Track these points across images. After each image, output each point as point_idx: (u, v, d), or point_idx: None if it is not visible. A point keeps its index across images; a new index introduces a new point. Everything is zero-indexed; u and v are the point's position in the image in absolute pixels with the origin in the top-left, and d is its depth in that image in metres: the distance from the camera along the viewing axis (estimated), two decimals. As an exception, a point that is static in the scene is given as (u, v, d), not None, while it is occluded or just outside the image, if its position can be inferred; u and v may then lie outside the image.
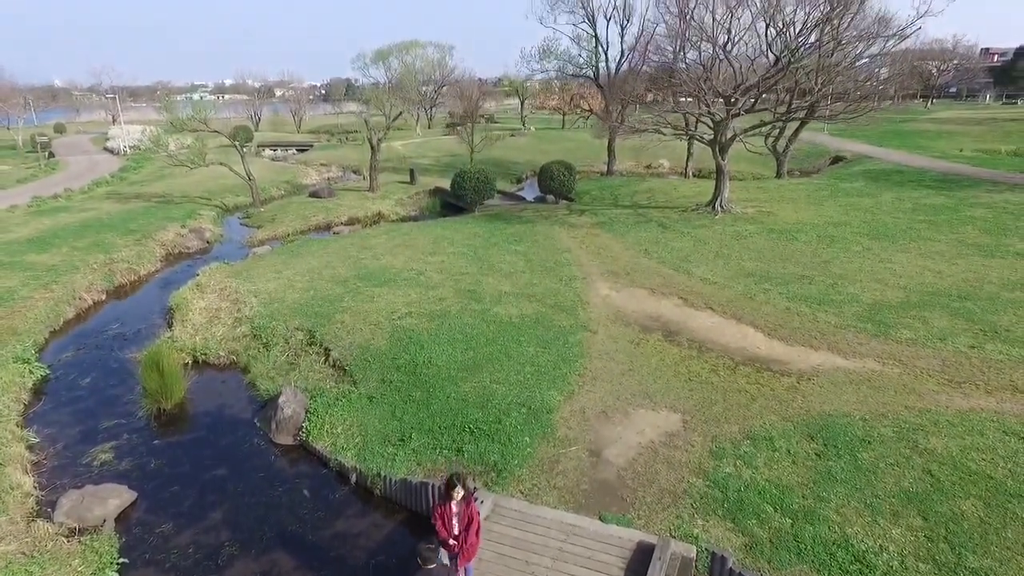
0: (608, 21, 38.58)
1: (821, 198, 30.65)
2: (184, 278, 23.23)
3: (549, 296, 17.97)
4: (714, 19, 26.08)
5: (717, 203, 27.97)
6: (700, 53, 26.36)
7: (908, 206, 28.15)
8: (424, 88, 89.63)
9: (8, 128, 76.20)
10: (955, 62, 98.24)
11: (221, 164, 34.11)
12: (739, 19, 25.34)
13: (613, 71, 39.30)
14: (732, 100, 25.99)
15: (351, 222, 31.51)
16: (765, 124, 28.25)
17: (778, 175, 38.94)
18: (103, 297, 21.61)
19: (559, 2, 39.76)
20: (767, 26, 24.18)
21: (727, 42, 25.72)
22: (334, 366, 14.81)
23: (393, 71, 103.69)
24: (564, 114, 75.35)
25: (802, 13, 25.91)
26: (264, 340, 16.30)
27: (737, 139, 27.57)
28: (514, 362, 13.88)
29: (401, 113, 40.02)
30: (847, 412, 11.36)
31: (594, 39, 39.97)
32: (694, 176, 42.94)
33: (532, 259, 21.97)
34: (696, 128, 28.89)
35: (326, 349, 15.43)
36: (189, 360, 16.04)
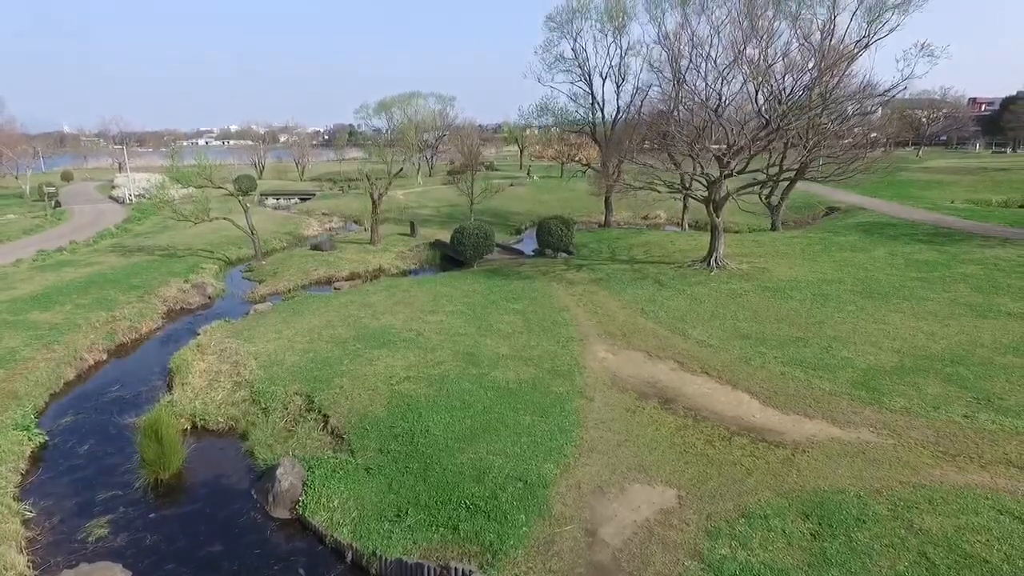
0: (604, 80, 39.96)
1: (815, 253, 31.11)
2: (185, 335, 23.52)
3: (546, 359, 18.14)
4: (706, 84, 27.06)
5: (712, 259, 28.40)
6: (693, 116, 27.16)
7: (901, 262, 28.57)
8: (426, 135, 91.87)
9: (16, 176, 77.65)
10: (944, 111, 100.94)
11: (225, 219, 34.71)
12: (729, 84, 26.25)
13: (609, 127, 40.41)
14: (725, 161, 26.70)
15: (352, 277, 31.90)
16: (757, 183, 28.90)
17: (773, 228, 39.57)
18: (104, 357, 21.76)
19: (556, 62, 41.24)
20: (757, 91, 25.01)
21: (719, 106, 26.59)
22: (332, 433, 14.89)
23: (395, 121, 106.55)
24: (563, 163, 76.78)
25: (790, 78, 26.99)
26: (263, 405, 16.40)
27: (730, 198, 28.17)
28: (511, 431, 13.96)
29: (402, 169, 40.77)
30: (842, 488, 11.40)
31: (590, 96, 41.27)
32: (690, 227, 43.67)
33: (530, 318, 22.22)
34: (690, 186, 29.54)
35: (324, 415, 15.54)
36: (188, 425, 16.12)
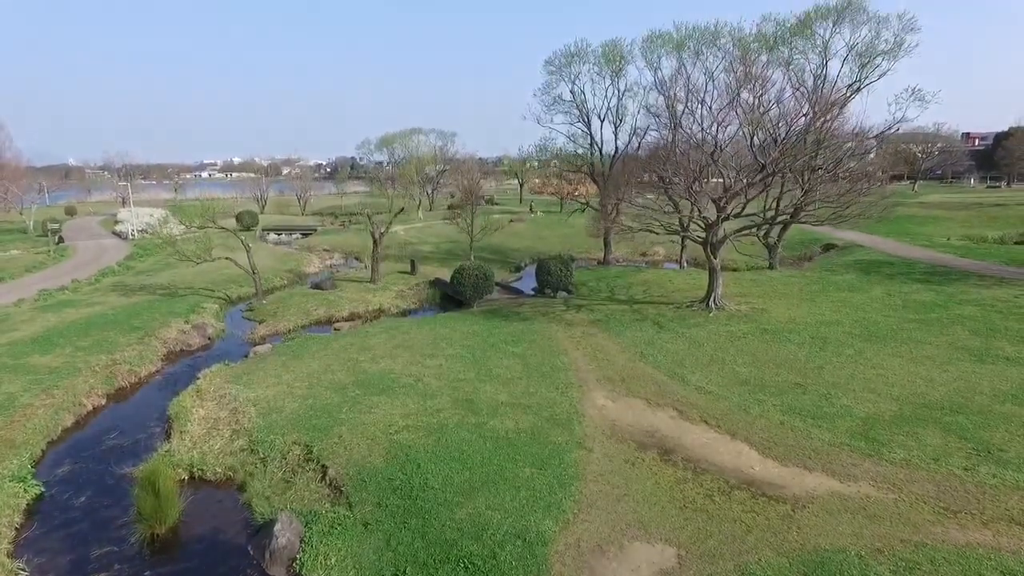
0: (602, 121, 40.74)
1: (813, 293, 31.30)
2: (185, 379, 23.50)
3: (545, 407, 18.13)
4: (702, 128, 27.61)
5: (711, 300, 28.55)
6: (689, 160, 27.63)
7: (898, 302, 28.73)
8: (427, 169, 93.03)
9: (20, 212, 78.35)
10: (939, 145, 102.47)
11: (227, 258, 34.98)
12: (725, 129, 26.76)
13: (607, 167, 41.05)
14: (722, 204, 27.07)
15: (352, 317, 32.01)
16: (753, 226, 29.22)
17: (771, 266, 39.84)
18: (103, 402, 21.73)
19: (555, 103, 42.08)
20: (752, 136, 25.50)
21: (715, 150, 27.08)
22: (331, 485, 14.81)
23: (397, 155, 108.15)
24: (562, 199, 77.55)
25: (784, 124, 27.53)
26: (261, 455, 16.33)
27: (728, 240, 28.47)
28: (509, 485, 13.90)
29: (403, 208, 41.28)
30: (843, 547, 11.32)
31: (589, 137, 42.01)
32: (688, 264, 43.97)
33: (529, 362, 22.26)
34: (688, 228, 29.89)
35: (323, 466, 15.47)
36: (186, 476, 16.01)
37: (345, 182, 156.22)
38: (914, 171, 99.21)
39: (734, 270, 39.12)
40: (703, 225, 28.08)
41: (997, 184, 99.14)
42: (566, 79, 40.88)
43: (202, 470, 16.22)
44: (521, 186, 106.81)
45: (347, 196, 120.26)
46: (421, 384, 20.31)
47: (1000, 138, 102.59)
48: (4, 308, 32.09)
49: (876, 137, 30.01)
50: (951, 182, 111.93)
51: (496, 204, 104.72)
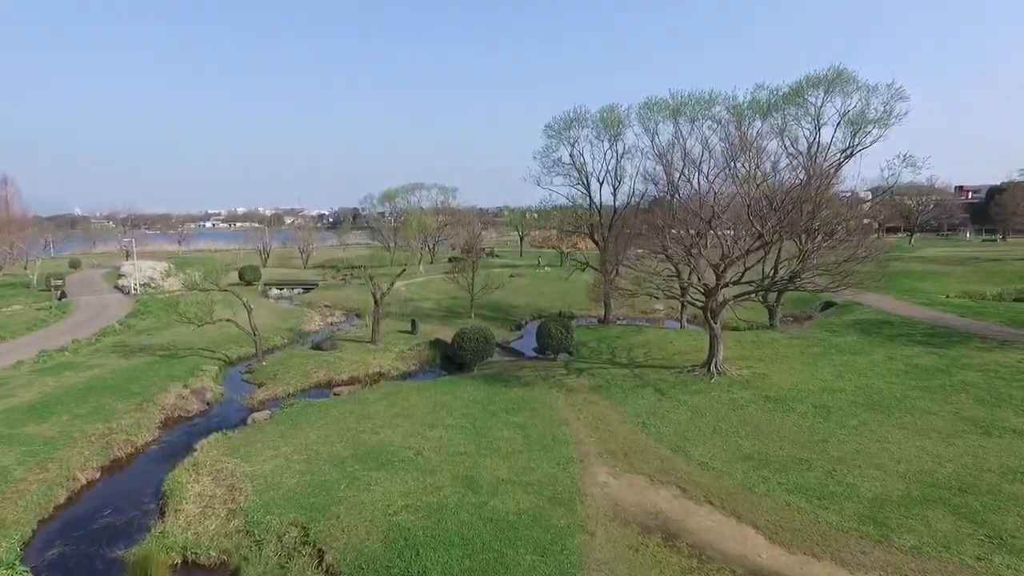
0: (601, 184, 41.54)
1: (814, 356, 31.20)
2: (181, 449, 23.24)
3: (547, 485, 17.83)
4: (699, 196, 28.11)
5: (712, 365, 28.45)
6: (688, 226, 28.04)
7: (900, 367, 28.61)
8: (428, 225, 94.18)
9: (24, 265, 78.83)
10: (933, 198, 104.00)
11: (228, 320, 35.08)
12: (721, 199, 27.25)
13: (607, 228, 41.64)
14: (721, 271, 27.32)
15: (352, 381, 31.81)
16: (753, 292, 29.38)
17: (771, 326, 39.85)
18: (98, 475, 21.36)
19: (555, 165, 43.02)
20: (748, 205, 25.96)
21: (712, 217, 27.51)
22: (327, 572, 14.45)
23: (398, 208, 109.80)
24: (563, 253, 78.25)
25: (780, 191, 28.04)
26: (257, 537, 15.98)
27: (727, 306, 28.59)
28: (511, 574, 13.55)
29: (404, 269, 41.62)
30: (855, 649, 10.96)
31: (588, 198, 42.71)
32: (688, 323, 43.96)
33: (530, 433, 22.01)
34: (687, 293, 30.09)
35: (320, 551, 15.12)
36: (179, 559, 15.66)
37: (347, 233, 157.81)
38: (910, 224, 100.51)
39: (734, 329, 39.08)
40: (702, 290, 28.24)
41: (993, 238, 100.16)
42: (565, 143, 42.02)
43: (196, 553, 15.85)
44: (521, 239, 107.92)
45: (349, 248, 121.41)
46: (421, 458, 20.04)
47: (993, 192, 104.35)
48: (3, 371, 31.96)
49: (871, 201, 30.40)
50: (947, 235, 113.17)
51: (497, 256, 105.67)
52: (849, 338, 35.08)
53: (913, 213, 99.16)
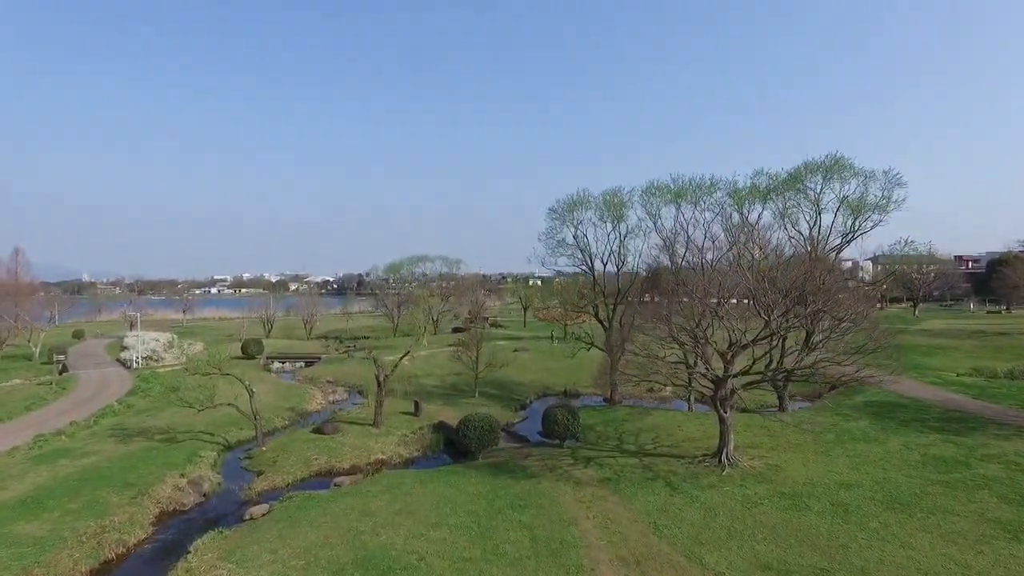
0: (604, 265, 41.89)
1: (827, 444, 30.43)
2: (175, 549, 22.42)
3: (556, 599, 16.96)
4: (705, 282, 28.21)
5: (723, 456, 27.71)
6: (694, 313, 27.97)
7: (917, 458, 27.84)
8: (433, 300, 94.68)
9: (28, 337, 78.56)
10: (934, 267, 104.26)
11: (230, 405, 34.63)
12: (726, 287, 27.34)
13: (611, 310, 41.71)
14: (729, 358, 27.06)
15: (353, 470, 30.93)
16: (761, 380, 29.01)
17: (780, 408, 39.15)
18: (86, 580, 20.50)
19: (559, 246, 43.53)
20: (753, 295, 25.98)
21: (717, 304, 27.49)
22: None
23: (403, 280, 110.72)
24: (566, 325, 77.98)
25: (783, 277, 28.14)
26: (249, 661, 15.07)
27: (735, 394, 28.17)
28: None
29: (409, 352, 41.46)
30: None
31: (592, 278, 42.96)
32: (696, 402, 43.22)
33: (538, 536, 21.14)
34: (693, 382, 29.75)
35: None
36: None
37: (351, 300, 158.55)
38: (913, 294, 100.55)
39: (743, 410, 38.35)
40: (711, 380, 27.88)
41: (998, 309, 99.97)
42: (569, 224, 42.63)
43: None
44: (525, 310, 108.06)
45: (353, 318, 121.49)
46: (424, 564, 19.17)
47: (994, 264, 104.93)
48: (-3, 458, 31.29)
49: (873, 284, 30.42)
50: (951, 305, 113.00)
51: (500, 326, 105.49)
52: (862, 423, 34.34)
53: (915, 284, 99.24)
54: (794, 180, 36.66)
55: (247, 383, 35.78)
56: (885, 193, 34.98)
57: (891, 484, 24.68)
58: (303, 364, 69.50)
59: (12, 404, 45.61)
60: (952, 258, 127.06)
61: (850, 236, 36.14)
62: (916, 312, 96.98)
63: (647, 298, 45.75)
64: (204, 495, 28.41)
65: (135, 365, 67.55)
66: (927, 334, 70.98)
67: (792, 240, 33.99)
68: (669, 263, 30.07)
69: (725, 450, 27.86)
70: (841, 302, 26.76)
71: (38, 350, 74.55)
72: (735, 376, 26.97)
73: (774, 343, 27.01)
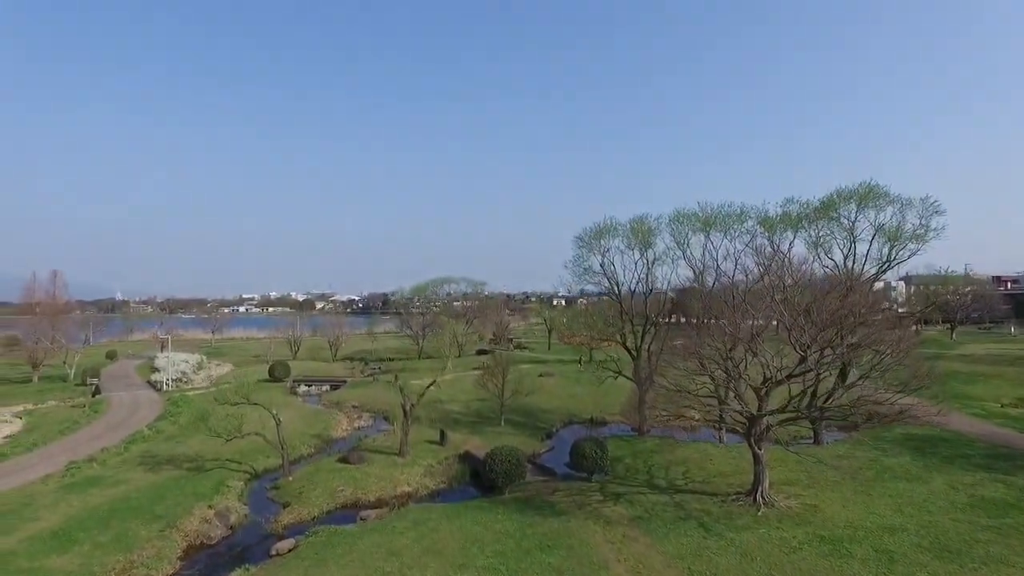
0: (632, 292, 41.30)
1: (867, 482, 29.32)
2: (201, 586, 22.30)
3: (589, 654, 16.36)
4: (737, 316, 27.55)
5: (758, 494, 26.82)
6: (726, 346, 27.31)
7: (964, 499, 26.61)
8: (458, 326, 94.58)
9: (64, 359, 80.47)
10: (971, 288, 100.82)
11: (257, 434, 34.75)
12: (758, 319, 26.67)
13: (639, 337, 41.10)
14: (763, 393, 26.32)
15: (379, 503, 30.65)
16: (796, 417, 28.11)
17: (816, 441, 37.98)
18: (113, 620, 20.49)
19: (585, 273, 43.13)
20: (789, 330, 25.27)
21: (752, 338, 26.80)
22: None
23: (429, 302, 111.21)
24: (591, 348, 77.00)
25: (816, 308, 27.33)
26: None
27: (771, 430, 27.34)
28: None
29: (435, 382, 41.34)
30: None
31: (619, 306, 42.44)
32: (728, 431, 42.12)
33: (568, 581, 20.57)
34: (725, 419, 28.99)
35: None
36: None
37: (376, 320, 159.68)
38: (950, 317, 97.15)
39: (776, 442, 37.16)
40: (745, 417, 27.11)
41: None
42: (596, 252, 42.21)
43: None
44: (549, 332, 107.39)
45: (378, 339, 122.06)
46: (451, 611, 18.73)
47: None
48: (32, 486, 31.73)
49: (910, 315, 29.39)
50: (989, 328, 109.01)
51: (525, 348, 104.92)
52: (902, 459, 33.09)
53: (952, 306, 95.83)
54: (827, 208, 35.88)
55: (274, 412, 35.92)
56: (923, 221, 34.05)
57: (938, 529, 23.54)
58: (329, 388, 69.79)
59: (47, 427, 46.53)
60: (990, 279, 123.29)
61: (886, 265, 35.14)
62: (953, 335, 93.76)
63: (675, 319, 45.02)
64: (231, 527, 28.37)
65: (165, 387, 68.63)
66: (966, 360, 68.48)
67: (826, 269, 33.10)
68: (699, 287, 29.37)
69: (760, 488, 26.98)
70: (883, 337, 25.87)
71: (73, 371, 76.29)
72: (771, 414, 26.16)
73: (809, 381, 26.17)
